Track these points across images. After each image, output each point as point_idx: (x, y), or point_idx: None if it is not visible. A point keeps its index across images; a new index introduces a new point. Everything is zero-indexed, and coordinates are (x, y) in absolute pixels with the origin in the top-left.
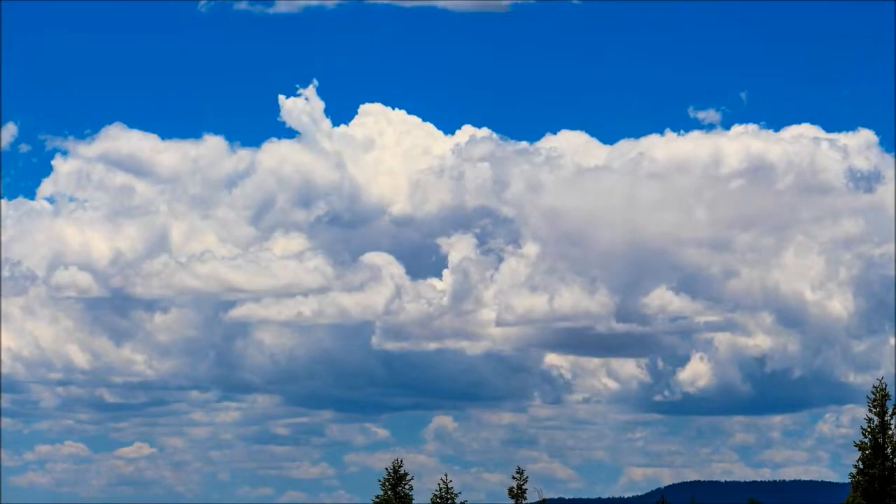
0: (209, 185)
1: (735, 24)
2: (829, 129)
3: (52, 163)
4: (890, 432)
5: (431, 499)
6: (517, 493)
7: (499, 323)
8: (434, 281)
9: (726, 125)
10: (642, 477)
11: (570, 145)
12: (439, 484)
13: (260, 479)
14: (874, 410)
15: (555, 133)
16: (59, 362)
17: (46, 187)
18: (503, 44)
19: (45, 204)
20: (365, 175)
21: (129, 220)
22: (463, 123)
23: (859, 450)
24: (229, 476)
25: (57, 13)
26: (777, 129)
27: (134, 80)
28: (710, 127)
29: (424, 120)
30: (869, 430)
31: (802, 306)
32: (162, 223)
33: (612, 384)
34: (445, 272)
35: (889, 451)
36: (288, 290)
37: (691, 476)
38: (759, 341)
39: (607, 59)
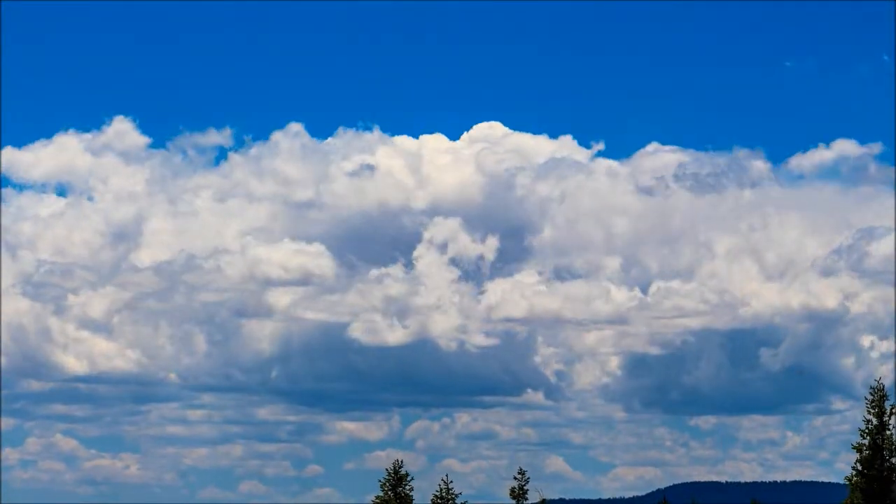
0: (191, 175)
1: None
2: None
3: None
4: (888, 433)
5: (432, 499)
6: (518, 494)
7: (495, 318)
8: (428, 276)
9: None
10: (643, 477)
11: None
12: (440, 485)
13: (244, 478)
14: (872, 411)
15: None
16: (45, 358)
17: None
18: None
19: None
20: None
21: (117, 208)
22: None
23: (857, 451)
24: (216, 474)
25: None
26: None
27: (138, 75)
28: None
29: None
30: (867, 431)
31: (806, 303)
32: (150, 212)
33: (613, 383)
34: (442, 268)
35: (887, 452)
36: (283, 282)
37: (692, 476)
38: (760, 341)
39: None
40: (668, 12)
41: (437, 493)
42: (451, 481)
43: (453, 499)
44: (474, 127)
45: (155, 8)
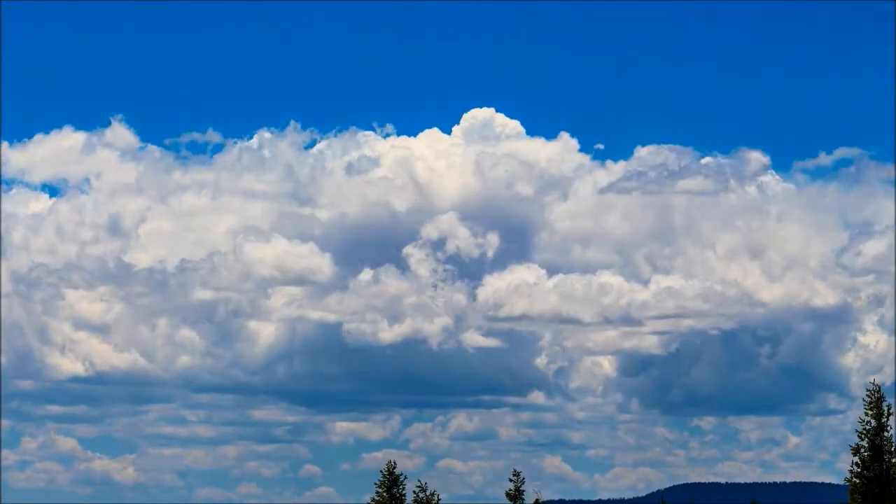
0: (188, 174)
1: None
2: None
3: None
4: (887, 433)
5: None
6: (515, 496)
7: (494, 318)
8: (427, 275)
9: None
10: (642, 478)
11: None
12: (415, 490)
13: (242, 478)
14: (870, 413)
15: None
16: (42, 358)
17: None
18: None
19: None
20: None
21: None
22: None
23: (853, 454)
24: (214, 475)
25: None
26: None
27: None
28: None
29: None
30: (865, 432)
31: (803, 302)
32: (146, 212)
33: (612, 383)
34: (440, 266)
35: (886, 454)
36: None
37: (691, 477)
38: (760, 340)
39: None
40: (670, 12)
41: (417, 495)
42: (426, 483)
43: (437, 501)
44: (473, 124)
45: (153, 7)
